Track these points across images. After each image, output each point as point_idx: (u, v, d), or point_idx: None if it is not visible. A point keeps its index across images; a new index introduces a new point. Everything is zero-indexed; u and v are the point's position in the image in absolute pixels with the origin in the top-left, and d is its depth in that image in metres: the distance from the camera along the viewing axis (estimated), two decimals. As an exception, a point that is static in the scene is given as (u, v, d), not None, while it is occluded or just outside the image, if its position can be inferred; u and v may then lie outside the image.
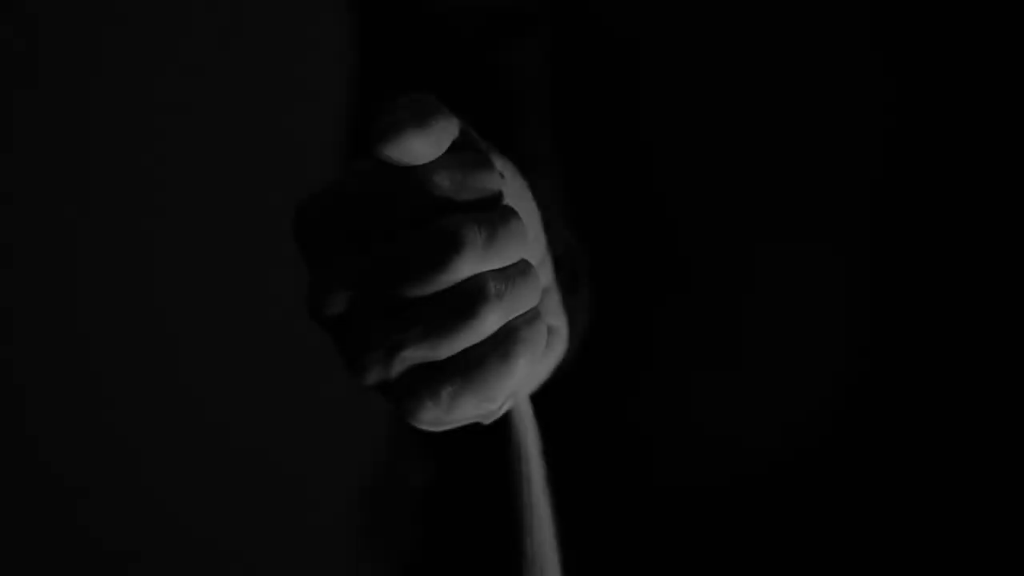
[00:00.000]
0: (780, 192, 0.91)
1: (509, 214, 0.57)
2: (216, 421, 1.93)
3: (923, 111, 0.90)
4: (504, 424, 0.62)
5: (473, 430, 0.62)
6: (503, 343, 0.56)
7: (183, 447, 1.93)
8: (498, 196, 0.57)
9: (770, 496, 0.93)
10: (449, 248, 0.55)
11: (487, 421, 0.59)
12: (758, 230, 0.91)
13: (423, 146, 0.55)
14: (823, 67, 0.89)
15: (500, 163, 0.58)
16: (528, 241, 0.57)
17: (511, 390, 0.57)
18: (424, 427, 0.57)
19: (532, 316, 0.57)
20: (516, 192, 0.59)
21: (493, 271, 0.56)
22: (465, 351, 0.56)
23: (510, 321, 0.56)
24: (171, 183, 1.90)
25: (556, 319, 0.63)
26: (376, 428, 1.11)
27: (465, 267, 0.55)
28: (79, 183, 1.89)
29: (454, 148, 0.57)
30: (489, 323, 0.56)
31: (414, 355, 0.56)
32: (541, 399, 0.64)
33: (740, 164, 0.91)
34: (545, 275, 0.62)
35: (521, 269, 0.57)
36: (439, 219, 0.55)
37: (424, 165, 0.56)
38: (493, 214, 0.56)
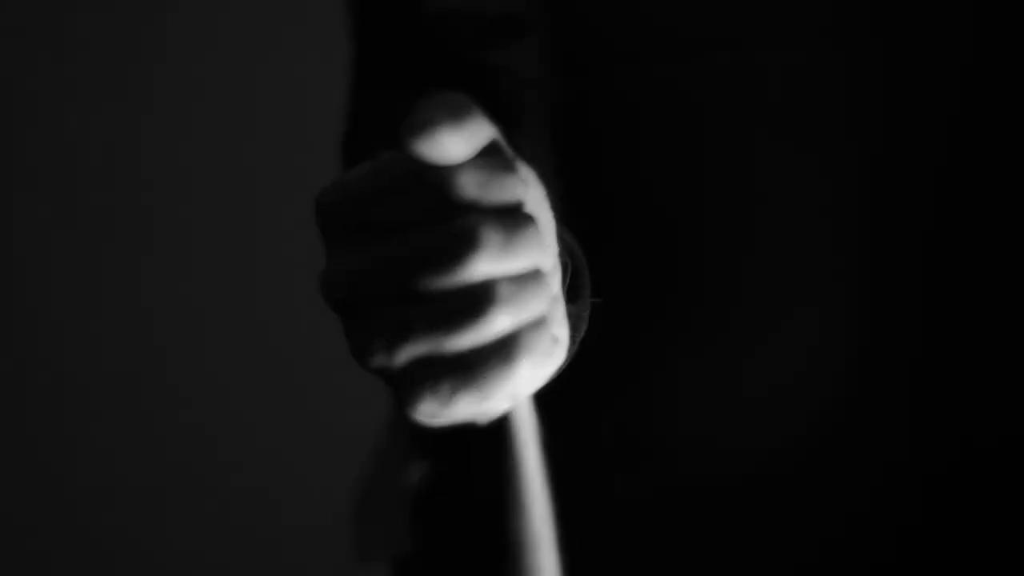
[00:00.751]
0: (775, 197, 0.91)
1: (528, 221, 0.57)
2: (214, 422, 1.93)
3: (921, 108, 0.90)
4: (502, 425, 0.63)
5: (470, 429, 0.63)
6: (507, 346, 0.57)
7: (183, 448, 1.93)
8: (519, 202, 0.58)
9: (766, 497, 0.94)
10: (466, 246, 0.55)
11: (483, 421, 0.60)
12: (753, 232, 0.91)
13: (455, 145, 0.55)
14: (821, 66, 0.89)
15: (524, 171, 0.59)
16: (544, 249, 0.58)
17: (510, 393, 0.57)
18: (421, 420, 0.58)
19: (539, 323, 0.57)
20: (536, 200, 0.60)
21: (506, 275, 0.56)
22: (470, 351, 0.56)
23: (517, 325, 0.57)
24: (171, 182, 1.90)
25: (560, 328, 0.63)
26: (372, 428, 1.12)
27: (480, 267, 0.56)
28: (78, 183, 1.89)
29: (485, 152, 0.57)
30: (496, 325, 0.56)
31: (418, 346, 0.56)
32: (537, 400, 0.65)
33: (737, 169, 0.91)
34: (554, 284, 0.63)
35: (534, 275, 0.57)
36: (460, 217, 0.56)
37: (451, 164, 0.56)
38: (513, 219, 0.57)
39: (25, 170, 1.89)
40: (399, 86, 0.89)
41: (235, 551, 1.94)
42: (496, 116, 0.84)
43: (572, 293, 0.68)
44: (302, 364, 1.87)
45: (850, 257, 0.90)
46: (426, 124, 0.55)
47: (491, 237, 0.56)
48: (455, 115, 0.55)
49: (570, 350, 0.68)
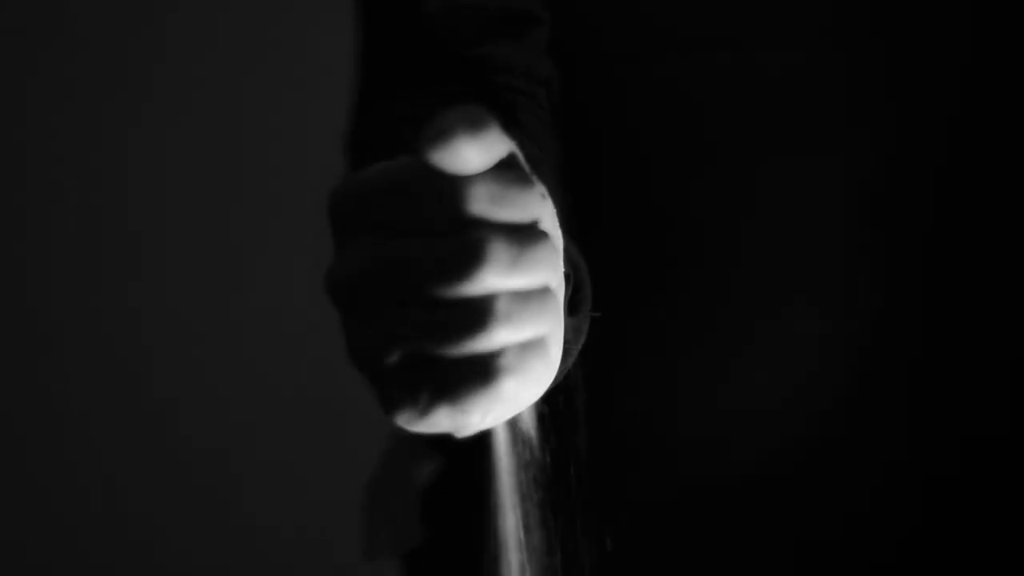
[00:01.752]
0: (775, 196, 0.91)
1: (539, 238, 0.57)
2: (218, 422, 1.93)
3: (921, 108, 0.90)
4: (482, 439, 0.63)
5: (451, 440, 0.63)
6: (489, 368, 0.56)
7: (186, 448, 1.93)
8: (532, 219, 0.58)
9: (766, 497, 0.94)
10: (474, 259, 0.55)
11: (461, 435, 0.60)
12: (752, 232, 0.91)
13: (471, 154, 0.56)
14: (821, 66, 0.89)
15: (539, 187, 0.59)
16: (552, 267, 0.58)
17: (490, 411, 0.57)
18: (400, 425, 0.58)
19: (533, 344, 0.57)
20: (548, 217, 0.60)
21: (510, 291, 0.56)
22: (454, 365, 0.56)
23: (510, 344, 0.57)
24: (172, 182, 1.90)
25: (556, 349, 0.62)
26: (381, 427, 1.12)
27: (485, 281, 0.55)
28: (78, 183, 1.90)
29: (501, 167, 0.57)
30: (493, 341, 0.56)
31: (409, 351, 0.56)
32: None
33: (737, 169, 0.91)
34: (557, 304, 0.62)
35: (540, 294, 0.57)
36: (472, 229, 0.56)
37: (466, 175, 0.56)
38: (523, 236, 0.56)
39: (25, 170, 1.89)
40: (402, 84, 0.89)
41: (237, 551, 1.94)
42: (496, 113, 0.84)
43: (572, 307, 0.68)
44: (310, 363, 1.87)
45: (850, 257, 0.90)
46: (442, 131, 0.55)
47: (499, 252, 0.56)
48: (471, 124, 0.55)
49: (565, 364, 0.68)
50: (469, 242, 0.55)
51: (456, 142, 0.55)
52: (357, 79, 0.94)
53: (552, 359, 0.59)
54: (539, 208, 0.58)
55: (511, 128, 0.82)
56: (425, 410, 0.57)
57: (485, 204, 0.56)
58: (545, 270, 0.57)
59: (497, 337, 0.56)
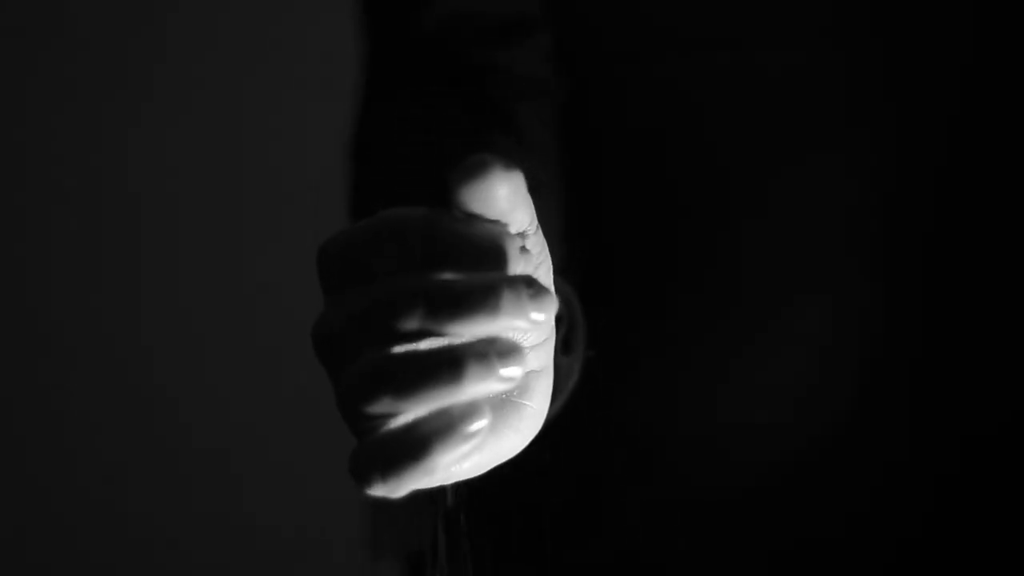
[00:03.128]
0: (774, 196, 0.91)
1: (509, 284, 0.55)
2: (222, 423, 1.93)
3: (921, 108, 0.90)
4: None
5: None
6: (414, 438, 0.55)
7: (188, 449, 1.93)
8: (502, 265, 0.56)
9: (767, 498, 0.94)
10: (411, 306, 0.54)
11: (442, 484, 0.59)
12: (751, 231, 0.91)
13: (502, 192, 0.55)
14: (821, 66, 0.89)
15: (514, 236, 0.57)
16: (520, 315, 0.55)
17: (439, 477, 0.57)
18: None
19: (462, 413, 0.55)
20: (536, 266, 0.58)
21: (444, 339, 0.55)
22: (394, 433, 0.56)
23: (443, 411, 0.55)
24: (171, 183, 1.90)
25: (536, 400, 0.60)
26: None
27: (436, 327, 0.54)
28: (78, 183, 1.90)
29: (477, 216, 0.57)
30: (394, 404, 0.55)
31: (363, 396, 0.56)
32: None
33: (736, 168, 0.91)
34: (545, 356, 0.60)
35: (478, 349, 0.55)
36: (419, 276, 0.55)
37: (425, 218, 0.56)
38: (472, 281, 0.55)
39: (25, 170, 1.89)
40: (403, 85, 0.89)
41: (237, 551, 1.94)
42: (497, 119, 0.84)
43: (566, 345, 0.67)
44: (310, 363, 1.86)
45: (849, 257, 0.91)
46: (480, 166, 0.55)
47: (440, 299, 0.54)
48: (506, 166, 0.55)
49: (557, 403, 0.67)
50: (403, 288, 0.55)
51: (491, 176, 0.55)
52: (363, 81, 0.94)
53: (530, 412, 0.58)
54: (517, 257, 0.56)
55: (511, 135, 0.82)
56: (383, 482, 0.57)
57: (440, 245, 0.55)
58: (507, 318, 0.55)
59: (380, 403, 0.55)
